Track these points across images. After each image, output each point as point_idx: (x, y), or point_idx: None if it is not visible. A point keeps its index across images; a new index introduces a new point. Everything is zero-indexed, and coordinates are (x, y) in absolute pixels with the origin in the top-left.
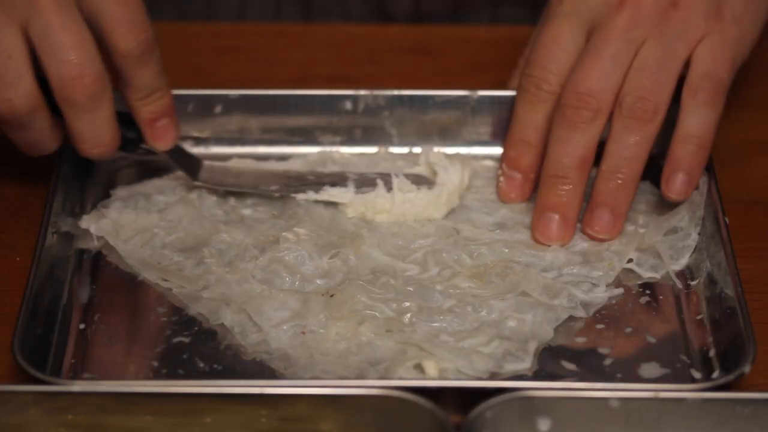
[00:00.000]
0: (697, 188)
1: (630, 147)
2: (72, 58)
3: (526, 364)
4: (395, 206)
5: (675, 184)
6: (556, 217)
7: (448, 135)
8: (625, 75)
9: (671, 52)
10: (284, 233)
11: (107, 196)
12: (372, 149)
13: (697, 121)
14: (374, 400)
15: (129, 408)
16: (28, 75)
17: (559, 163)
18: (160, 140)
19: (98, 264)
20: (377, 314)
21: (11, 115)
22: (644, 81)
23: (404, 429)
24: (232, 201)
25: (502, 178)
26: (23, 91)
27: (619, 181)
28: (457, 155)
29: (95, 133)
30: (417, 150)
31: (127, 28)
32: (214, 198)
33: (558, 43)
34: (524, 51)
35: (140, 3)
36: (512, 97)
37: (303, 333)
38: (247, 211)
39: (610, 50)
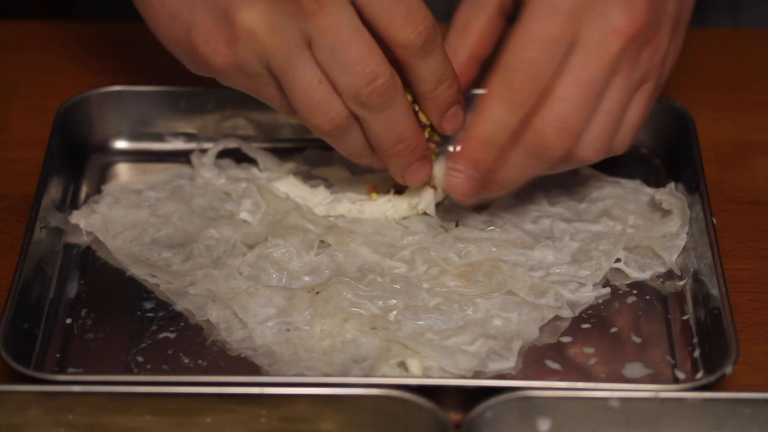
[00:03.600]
0: (690, 192)
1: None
2: (364, 70)
3: (510, 363)
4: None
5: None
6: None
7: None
8: None
9: (629, 96)
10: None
11: (98, 191)
12: None
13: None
14: (374, 400)
15: (129, 408)
16: (334, 92)
17: (508, 181)
18: (450, 126)
19: (86, 259)
20: (363, 312)
21: (336, 130)
22: (604, 134)
23: (404, 429)
24: (221, 197)
25: (459, 175)
26: (339, 107)
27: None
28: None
29: (394, 130)
30: None
31: (404, 20)
32: (204, 194)
33: (556, 44)
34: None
35: None
36: None
37: (288, 330)
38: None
39: (600, 85)
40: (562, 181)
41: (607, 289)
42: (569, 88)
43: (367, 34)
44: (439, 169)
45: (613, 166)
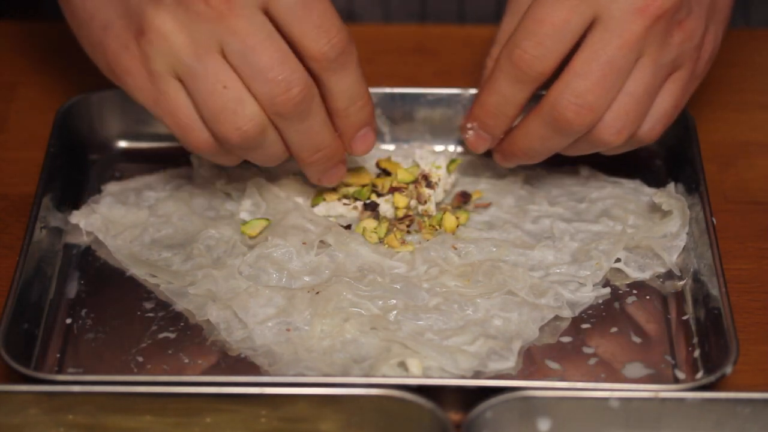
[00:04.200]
0: (690, 192)
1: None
2: (276, 77)
3: (510, 363)
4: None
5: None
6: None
7: (439, 133)
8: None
9: (658, 80)
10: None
11: (98, 191)
12: None
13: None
14: (374, 400)
15: (129, 408)
16: (248, 98)
17: (533, 152)
18: (359, 148)
19: (86, 259)
20: (362, 312)
21: (244, 141)
22: (630, 113)
23: (404, 429)
24: (221, 197)
25: (471, 133)
26: (249, 116)
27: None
28: (444, 151)
29: (311, 140)
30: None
31: (317, 31)
32: (204, 194)
33: (566, 23)
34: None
35: (329, 5)
36: None
37: (288, 330)
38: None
39: (620, 62)
40: (562, 182)
41: (607, 289)
42: (587, 64)
43: (281, 41)
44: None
45: (613, 167)
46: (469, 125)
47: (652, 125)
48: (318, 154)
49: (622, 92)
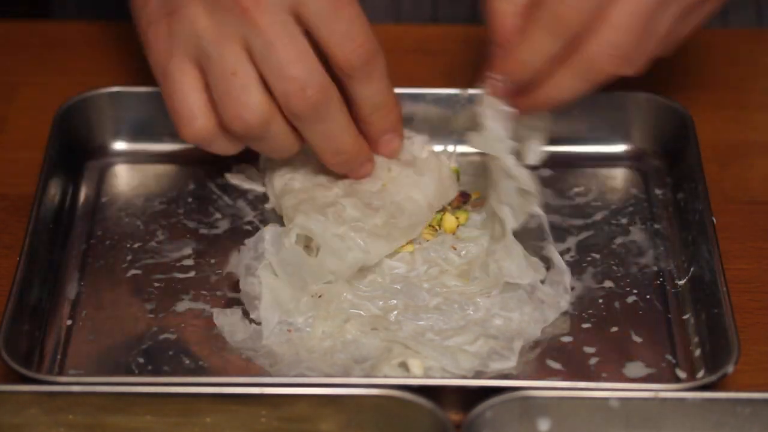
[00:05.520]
0: (690, 192)
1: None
2: (292, 74)
3: (511, 362)
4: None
5: None
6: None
7: (439, 133)
8: None
9: (680, 21)
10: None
11: (98, 192)
12: None
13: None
14: (374, 400)
15: (129, 408)
16: (255, 88)
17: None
18: (384, 151)
19: (86, 260)
20: (362, 312)
21: (245, 130)
22: (652, 50)
23: (404, 429)
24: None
25: (496, 83)
26: (253, 105)
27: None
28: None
29: (331, 143)
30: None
31: (343, 38)
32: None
33: None
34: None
35: (359, 12)
36: None
37: (289, 331)
38: None
39: (651, 11)
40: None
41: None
42: (624, 16)
43: (304, 42)
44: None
45: (612, 166)
46: (494, 75)
47: (666, 47)
48: (339, 156)
49: (650, 34)
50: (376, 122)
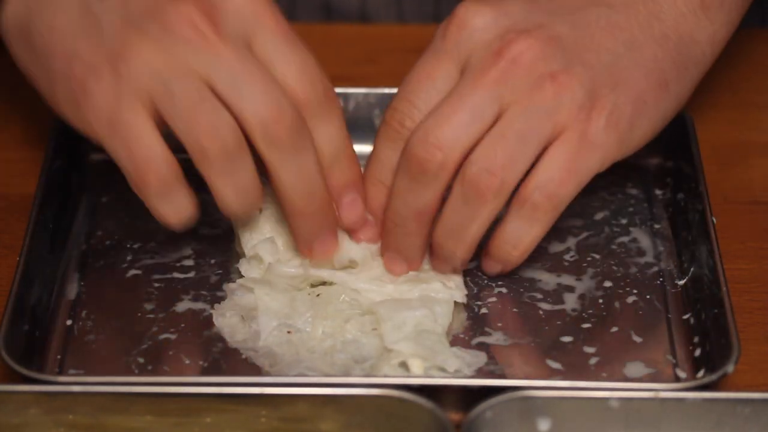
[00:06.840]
0: (690, 192)
1: (462, 218)
2: (268, 100)
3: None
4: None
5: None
6: (399, 257)
7: None
8: (481, 134)
9: (533, 128)
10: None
11: (98, 192)
12: (361, 147)
13: (516, 234)
14: (374, 400)
15: (129, 408)
16: (225, 112)
17: (398, 214)
18: (347, 215)
19: (86, 260)
20: (362, 312)
21: (221, 148)
22: (498, 152)
23: (404, 429)
24: None
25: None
26: (227, 123)
27: (444, 252)
28: None
29: (305, 181)
30: None
31: (300, 71)
32: None
33: (432, 79)
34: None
35: (312, 56)
36: None
37: (289, 332)
38: None
39: (473, 102)
40: None
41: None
42: (440, 105)
43: (268, 71)
44: None
45: (611, 169)
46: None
47: (541, 189)
48: (313, 202)
49: (491, 134)
50: (338, 174)
